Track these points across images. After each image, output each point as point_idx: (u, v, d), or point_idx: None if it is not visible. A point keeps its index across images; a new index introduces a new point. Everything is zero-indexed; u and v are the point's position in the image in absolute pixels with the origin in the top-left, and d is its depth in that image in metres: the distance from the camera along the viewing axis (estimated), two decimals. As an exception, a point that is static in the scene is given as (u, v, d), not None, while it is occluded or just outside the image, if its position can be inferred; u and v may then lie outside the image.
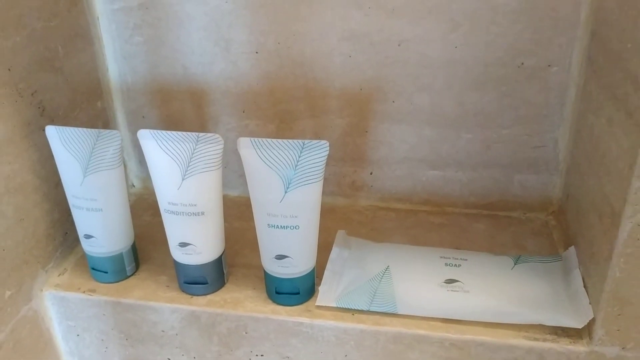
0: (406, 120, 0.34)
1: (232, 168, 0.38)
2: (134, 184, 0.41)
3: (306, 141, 0.25)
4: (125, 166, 0.36)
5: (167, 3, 0.34)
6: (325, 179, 0.27)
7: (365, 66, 0.33)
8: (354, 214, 0.37)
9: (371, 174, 0.37)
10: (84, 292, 0.31)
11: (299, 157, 0.25)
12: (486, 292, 0.28)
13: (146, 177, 0.40)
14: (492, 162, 0.35)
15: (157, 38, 0.35)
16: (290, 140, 0.26)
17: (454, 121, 0.34)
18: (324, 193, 0.27)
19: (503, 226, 0.35)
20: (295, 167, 0.25)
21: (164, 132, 0.27)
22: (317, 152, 0.25)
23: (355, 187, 0.38)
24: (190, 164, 0.27)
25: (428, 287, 0.28)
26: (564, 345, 0.26)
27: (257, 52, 0.34)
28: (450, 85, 0.33)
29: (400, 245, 0.33)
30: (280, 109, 0.36)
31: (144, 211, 0.38)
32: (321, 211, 0.27)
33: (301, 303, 0.29)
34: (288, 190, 0.26)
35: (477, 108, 0.33)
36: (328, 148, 0.25)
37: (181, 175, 0.27)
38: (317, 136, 0.36)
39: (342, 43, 0.33)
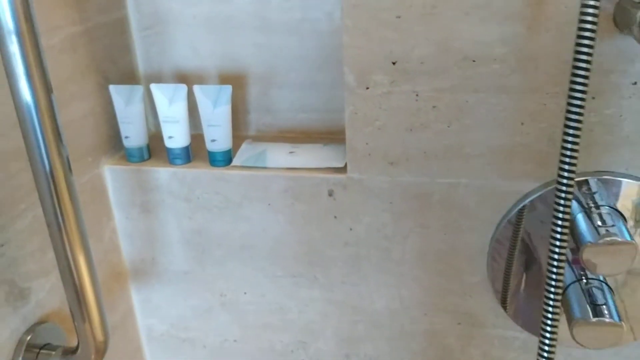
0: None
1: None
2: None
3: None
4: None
5: None
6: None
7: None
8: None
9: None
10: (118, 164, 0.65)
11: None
12: (308, 155, 0.61)
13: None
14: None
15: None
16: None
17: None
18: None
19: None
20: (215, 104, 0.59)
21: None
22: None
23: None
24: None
25: (281, 155, 0.62)
26: (335, 175, 0.59)
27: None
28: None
29: (276, 143, 0.66)
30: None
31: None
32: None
33: (226, 166, 0.62)
34: (215, 108, 0.60)
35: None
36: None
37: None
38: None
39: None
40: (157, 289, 0.70)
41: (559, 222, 0.48)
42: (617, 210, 0.52)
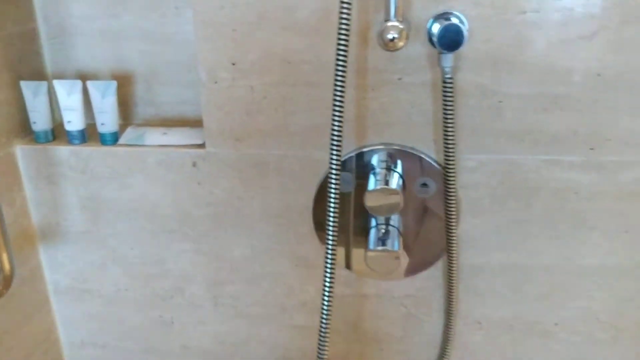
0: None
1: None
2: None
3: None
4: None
5: None
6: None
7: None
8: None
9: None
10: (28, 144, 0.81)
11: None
12: (177, 136, 0.79)
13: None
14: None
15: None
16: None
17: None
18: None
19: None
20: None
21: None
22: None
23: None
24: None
25: (156, 135, 0.80)
26: (197, 150, 0.77)
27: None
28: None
29: (153, 127, 0.84)
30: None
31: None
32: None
33: (113, 144, 0.80)
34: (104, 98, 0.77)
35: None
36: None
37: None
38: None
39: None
40: (60, 248, 0.86)
41: (332, 181, 0.67)
42: (393, 170, 0.72)
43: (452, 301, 0.78)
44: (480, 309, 0.80)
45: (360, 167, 0.74)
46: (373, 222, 0.76)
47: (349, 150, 0.74)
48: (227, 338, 0.87)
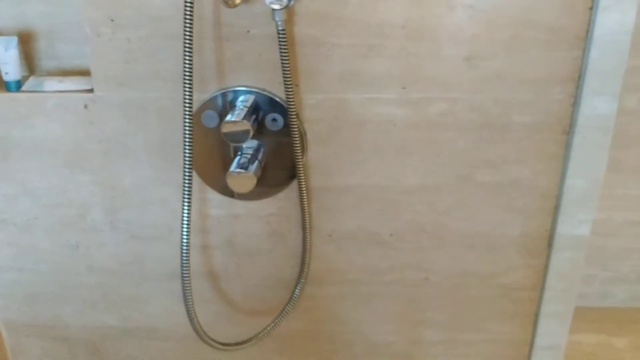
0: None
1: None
2: None
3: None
4: None
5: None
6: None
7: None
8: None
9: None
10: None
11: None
12: (71, 83, 0.94)
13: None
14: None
15: None
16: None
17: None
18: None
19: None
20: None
21: None
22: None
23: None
24: None
25: (54, 83, 0.94)
26: (87, 94, 0.92)
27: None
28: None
29: (52, 77, 0.98)
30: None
31: None
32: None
33: (17, 91, 0.94)
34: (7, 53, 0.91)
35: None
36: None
37: None
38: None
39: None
40: (-23, 183, 1.00)
41: (186, 118, 0.84)
42: (246, 106, 0.88)
43: (306, 218, 0.95)
44: (330, 223, 0.97)
45: (223, 105, 0.90)
46: (238, 153, 0.93)
47: (213, 91, 0.90)
48: (124, 258, 1.03)
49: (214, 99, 0.90)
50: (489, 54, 0.84)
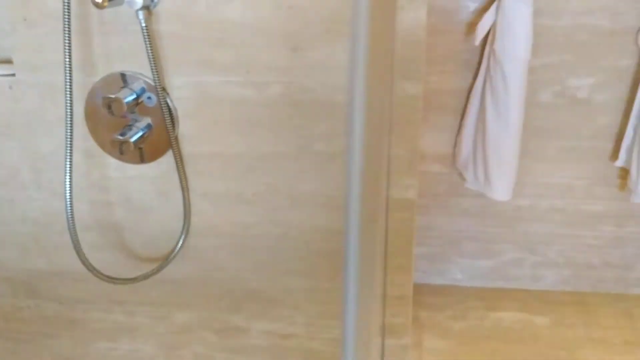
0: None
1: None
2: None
3: None
4: None
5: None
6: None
7: None
8: None
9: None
10: None
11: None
12: (2, 69, 1.20)
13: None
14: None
15: None
16: None
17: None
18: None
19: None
20: None
21: None
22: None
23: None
24: None
25: None
26: (11, 77, 1.17)
27: None
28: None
29: None
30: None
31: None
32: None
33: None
34: None
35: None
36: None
37: None
38: None
39: None
40: (-64, 149, 1.26)
41: (67, 99, 1.07)
42: (127, 87, 1.11)
43: (182, 180, 1.17)
44: (204, 185, 1.19)
45: (109, 85, 1.13)
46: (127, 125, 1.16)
47: (102, 75, 1.13)
48: (49, 210, 1.28)
49: (102, 79, 1.13)
50: (309, 45, 1.04)
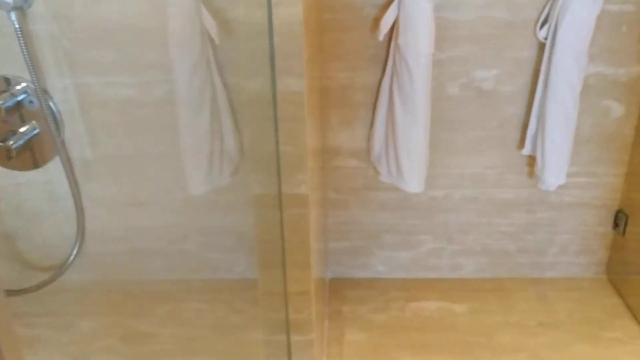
0: None
1: None
2: None
3: None
4: None
5: None
6: None
7: None
8: None
9: None
10: None
11: None
12: None
13: None
14: None
15: None
16: None
17: None
18: None
19: None
20: None
21: None
22: None
23: None
24: None
25: None
26: None
27: None
28: None
29: None
30: None
31: None
32: None
33: None
34: None
35: None
36: None
37: None
38: None
39: None
40: None
41: None
42: (9, 91, 1.07)
43: (73, 185, 1.14)
44: (97, 189, 1.16)
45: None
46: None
47: None
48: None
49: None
50: (192, 45, 1.03)
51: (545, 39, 1.62)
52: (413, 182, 1.71)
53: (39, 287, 1.10)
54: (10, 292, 1.10)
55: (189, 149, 1.10)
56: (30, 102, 1.06)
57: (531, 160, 1.79)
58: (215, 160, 1.21)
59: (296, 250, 1.17)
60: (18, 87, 1.05)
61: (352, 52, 1.71)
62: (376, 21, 1.61)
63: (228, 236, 1.16)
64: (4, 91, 1.04)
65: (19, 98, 1.06)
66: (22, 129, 1.08)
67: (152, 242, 1.14)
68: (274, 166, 1.11)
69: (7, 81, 1.03)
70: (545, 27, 1.62)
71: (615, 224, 1.87)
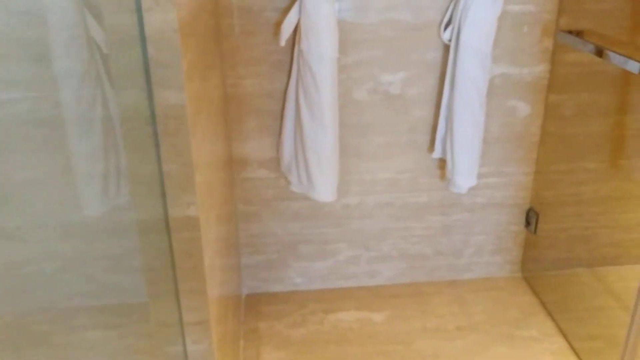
0: None
1: None
2: None
3: None
4: None
5: None
6: None
7: None
8: None
9: None
10: None
11: None
12: None
13: None
14: None
15: None
16: None
17: None
18: None
19: None
20: None
21: None
22: None
23: None
24: None
25: None
26: None
27: None
28: None
29: None
30: None
31: None
32: None
33: None
34: None
35: None
36: None
37: None
38: None
39: None
40: None
41: None
42: None
43: None
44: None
45: None
46: None
47: None
48: None
49: None
50: (78, 55, 0.92)
51: (450, 40, 1.59)
52: (324, 191, 1.65)
53: None
54: None
55: (81, 167, 0.99)
56: None
57: (442, 163, 1.78)
58: (111, 178, 1.10)
59: (190, 277, 1.08)
60: None
61: (255, 58, 1.63)
62: (278, 25, 1.53)
63: (132, 257, 1.05)
64: None
65: None
66: None
67: (29, 279, 1.02)
68: (158, 187, 1.01)
69: None
70: (449, 29, 1.60)
71: (527, 222, 1.89)
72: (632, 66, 1.25)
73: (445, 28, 1.59)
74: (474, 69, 1.56)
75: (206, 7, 1.25)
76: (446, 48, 1.61)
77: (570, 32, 1.55)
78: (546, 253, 1.81)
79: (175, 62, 0.92)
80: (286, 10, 1.51)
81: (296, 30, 1.54)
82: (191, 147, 0.98)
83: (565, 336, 1.67)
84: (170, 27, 0.90)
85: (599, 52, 1.38)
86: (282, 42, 1.53)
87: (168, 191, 1.01)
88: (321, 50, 1.49)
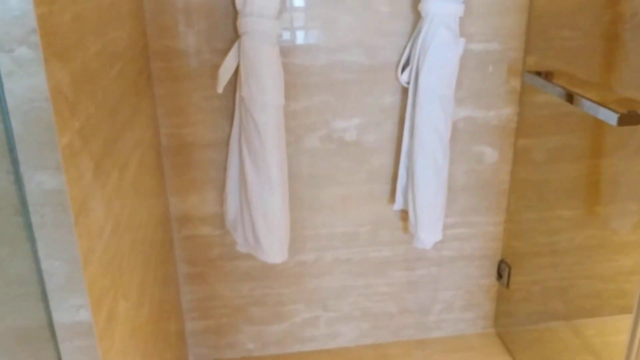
0: None
1: None
2: None
3: None
4: None
5: None
6: None
7: None
8: None
9: None
10: None
11: None
12: None
13: None
14: None
15: None
16: None
17: None
18: None
19: None
20: None
21: None
22: None
23: None
24: None
25: None
26: None
27: None
28: None
29: None
30: None
31: None
32: None
33: None
34: None
35: None
36: None
37: None
38: None
39: None
40: None
41: None
42: None
43: None
44: None
45: None
46: None
47: None
48: None
49: None
50: None
51: (408, 83, 1.44)
52: (273, 251, 1.47)
53: None
54: None
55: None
56: None
57: (404, 214, 1.61)
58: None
59: (87, 388, 0.89)
60: None
61: (194, 104, 1.46)
62: (216, 69, 1.37)
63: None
64: None
65: None
66: None
67: None
68: (38, 288, 0.82)
69: None
70: (407, 70, 1.44)
71: (499, 275, 1.73)
72: (605, 115, 1.10)
73: (403, 69, 1.43)
74: (435, 114, 1.40)
75: (120, 52, 1.07)
76: (404, 91, 1.45)
77: (538, 73, 1.40)
78: (520, 307, 1.65)
79: (48, 139, 0.74)
80: (226, 52, 1.34)
81: (236, 74, 1.37)
82: (75, 239, 0.80)
83: (542, 405, 1.49)
84: (40, 96, 0.72)
85: (570, 98, 1.23)
86: (220, 89, 1.37)
87: (50, 293, 0.82)
88: (264, 98, 1.32)
